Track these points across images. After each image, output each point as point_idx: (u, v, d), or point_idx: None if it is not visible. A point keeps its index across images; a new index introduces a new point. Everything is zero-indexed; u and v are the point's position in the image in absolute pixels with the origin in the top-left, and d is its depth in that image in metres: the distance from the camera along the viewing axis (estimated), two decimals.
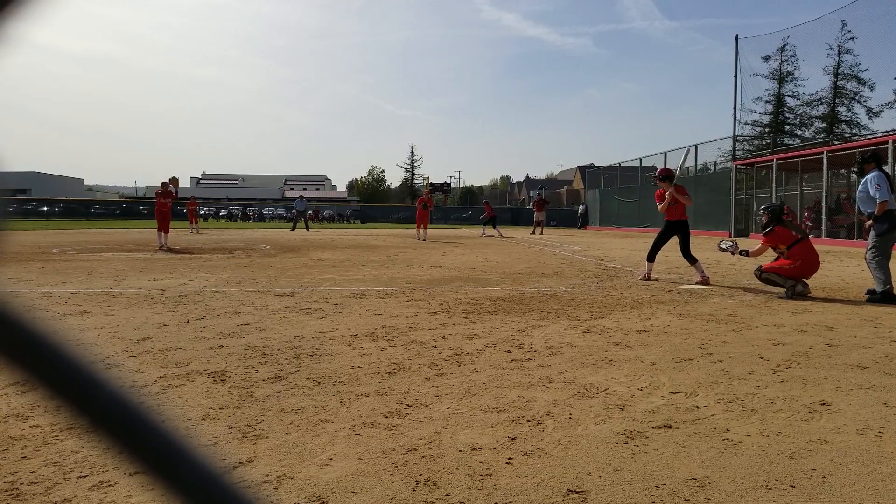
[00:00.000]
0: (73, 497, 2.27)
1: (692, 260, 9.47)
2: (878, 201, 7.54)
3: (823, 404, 3.47)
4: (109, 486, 2.36)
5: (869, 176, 7.76)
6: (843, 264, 12.89)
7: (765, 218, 8.32)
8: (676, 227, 9.65)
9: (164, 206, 16.42)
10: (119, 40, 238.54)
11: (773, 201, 8.19)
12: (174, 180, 16.84)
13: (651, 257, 9.78)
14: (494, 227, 28.85)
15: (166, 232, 16.45)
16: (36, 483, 2.38)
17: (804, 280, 7.90)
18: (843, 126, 38.83)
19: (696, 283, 9.22)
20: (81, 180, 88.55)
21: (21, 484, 2.38)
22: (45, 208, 50.82)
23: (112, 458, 0.41)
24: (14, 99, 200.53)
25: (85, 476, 2.44)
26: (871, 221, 7.72)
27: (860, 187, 7.89)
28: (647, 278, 9.72)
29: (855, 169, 8.27)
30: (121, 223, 38.99)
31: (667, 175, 9.72)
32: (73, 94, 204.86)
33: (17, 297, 0.38)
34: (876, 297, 7.43)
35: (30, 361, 0.38)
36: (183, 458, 0.41)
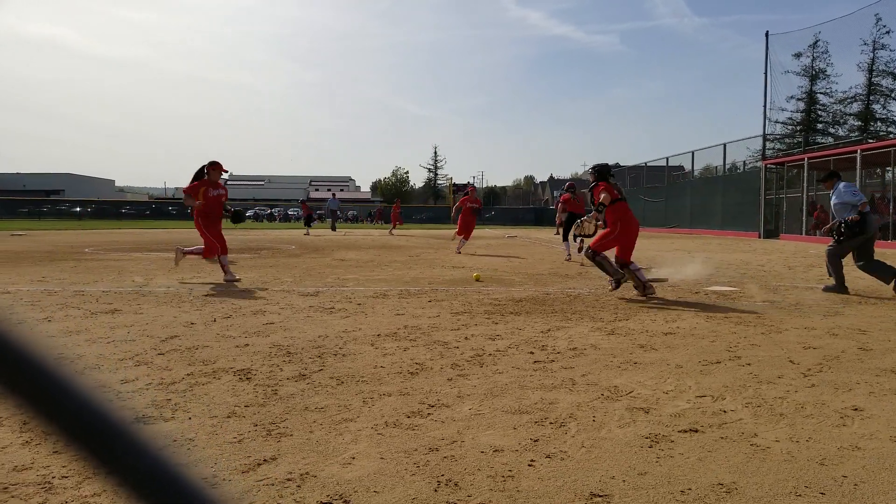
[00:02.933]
0: (102, 492, 2.30)
1: (565, 237, 12.06)
2: (862, 201, 8.32)
3: (856, 410, 3.40)
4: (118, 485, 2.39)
5: (840, 186, 8.58)
6: None
7: (592, 177, 8.58)
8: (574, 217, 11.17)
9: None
10: (149, 45, 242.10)
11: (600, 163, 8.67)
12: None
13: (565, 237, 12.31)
14: (309, 226, 27.81)
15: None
16: (67, 477, 2.42)
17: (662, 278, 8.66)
18: (879, 124, 38.07)
19: (565, 259, 11.05)
20: (113, 181, 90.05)
21: (53, 478, 2.42)
22: (78, 209, 51.85)
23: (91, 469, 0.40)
24: (49, 102, 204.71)
25: (109, 475, 2.48)
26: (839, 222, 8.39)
27: (834, 199, 8.58)
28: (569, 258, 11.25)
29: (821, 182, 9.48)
30: (150, 223, 39.58)
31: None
32: (105, 98, 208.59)
33: None
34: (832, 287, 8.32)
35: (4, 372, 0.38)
36: (163, 473, 0.41)
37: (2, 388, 0.38)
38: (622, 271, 7.88)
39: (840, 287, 8.29)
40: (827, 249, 8.58)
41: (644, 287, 7.68)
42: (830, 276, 8.49)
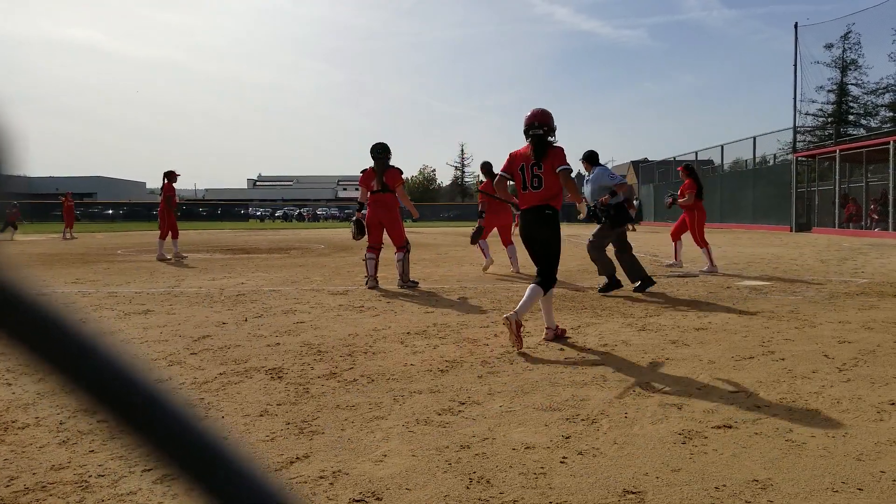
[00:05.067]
0: (137, 490, 2.35)
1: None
2: (619, 182, 7.83)
3: (892, 404, 3.33)
4: (173, 478, 2.42)
5: (596, 170, 8.00)
6: None
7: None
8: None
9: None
10: (178, 46, 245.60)
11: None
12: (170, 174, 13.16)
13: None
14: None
15: (169, 237, 13.13)
16: (103, 476, 2.47)
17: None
18: None
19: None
20: (144, 184, 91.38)
21: (89, 476, 2.47)
22: (110, 211, 52.81)
23: (140, 457, 0.41)
24: (79, 105, 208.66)
25: (150, 469, 2.52)
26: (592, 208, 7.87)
27: (591, 184, 7.97)
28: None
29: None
30: (181, 225, 40.12)
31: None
32: (136, 100, 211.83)
33: (46, 296, 0.36)
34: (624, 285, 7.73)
35: (60, 358, 0.39)
36: (218, 459, 0.41)
37: (61, 378, 0.39)
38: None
39: (613, 282, 7.64)
40: (588, 242, 8.01)
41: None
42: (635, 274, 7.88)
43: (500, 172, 5.41)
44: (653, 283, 7.82)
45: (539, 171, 5.09)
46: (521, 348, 4.64)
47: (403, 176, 8.72)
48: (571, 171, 5.15)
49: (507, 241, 10.07)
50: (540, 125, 5.14)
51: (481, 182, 10.26)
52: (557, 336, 5.08)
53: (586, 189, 8.09)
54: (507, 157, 5.37)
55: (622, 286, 7.71)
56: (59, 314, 0.38)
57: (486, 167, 10.19)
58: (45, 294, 0.40)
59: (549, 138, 5.20)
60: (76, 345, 0.39)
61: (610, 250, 7.91)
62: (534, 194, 5.11)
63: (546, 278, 5.07)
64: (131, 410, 0.40)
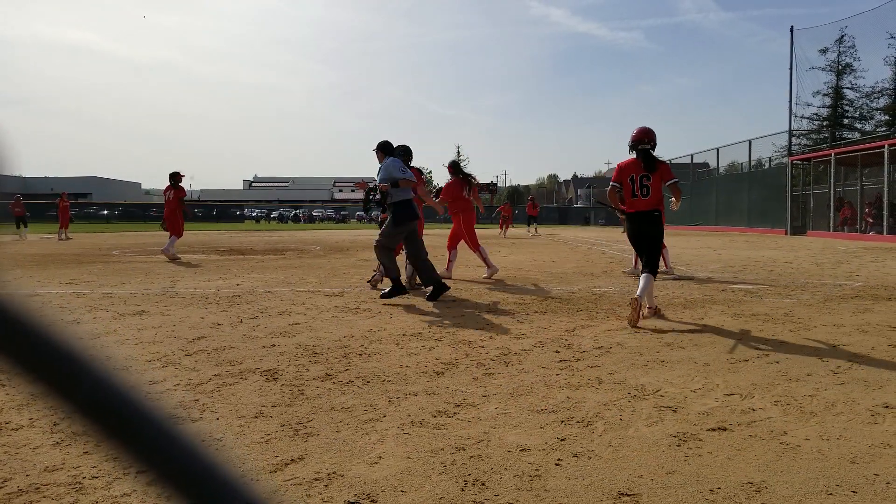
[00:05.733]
0: (132, 492, 2.34)
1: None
2: (408, 178, 7.45)
3: (887, 407, 3.34)
4: (154, 483, 2.42)
5: (387, 161, 7.59)
6: None
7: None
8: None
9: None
10: (175, 47, 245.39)
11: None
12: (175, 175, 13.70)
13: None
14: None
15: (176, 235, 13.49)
16: (97, 477, 2.46)
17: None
18: None
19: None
20: (139, 184, 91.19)
21: (83, 478, 2.46)
22: (105, 212, 52.72)
23: (122, 463, 0.41)
24: (76, 106, 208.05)
25: (144, 471, 2.51)
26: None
27: (381, 174, 7.62)
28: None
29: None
30: None
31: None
32: (131, 101, 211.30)
33: (29, 300, 0.36)
34: (389, 292, 7.31)
35: (38, 366, 0.38)
36: (197, 462, 0.41)
37: (40, 386, 0.39)
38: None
39: (396, 288, 7.30)
40: (376, 241, 7.58)
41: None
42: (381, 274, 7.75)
43: (612, 183, 6.33)
44: (446, 289, 7.43)
45: (648, 182, 6.03)
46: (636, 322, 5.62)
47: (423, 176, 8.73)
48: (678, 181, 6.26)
49: (475, 245, 9.89)
50: (648, 141, 6.07)
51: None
52: (657, 314, 6.07)
53: (378, 178, 7.76)
54: (616, 168, 6.29)
55: (407, 293, 7.47)
56: (32, 319, 0.38)
57: (454, 166, 10.11)
58: (21, 297, 0.40)
59: (652, 152, 6.13)
60: (48, 351, 0.38)
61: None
62: (643, 201, 6.05)
63: (654, 266, 6.03)
64: (108, 418, 0.40)
